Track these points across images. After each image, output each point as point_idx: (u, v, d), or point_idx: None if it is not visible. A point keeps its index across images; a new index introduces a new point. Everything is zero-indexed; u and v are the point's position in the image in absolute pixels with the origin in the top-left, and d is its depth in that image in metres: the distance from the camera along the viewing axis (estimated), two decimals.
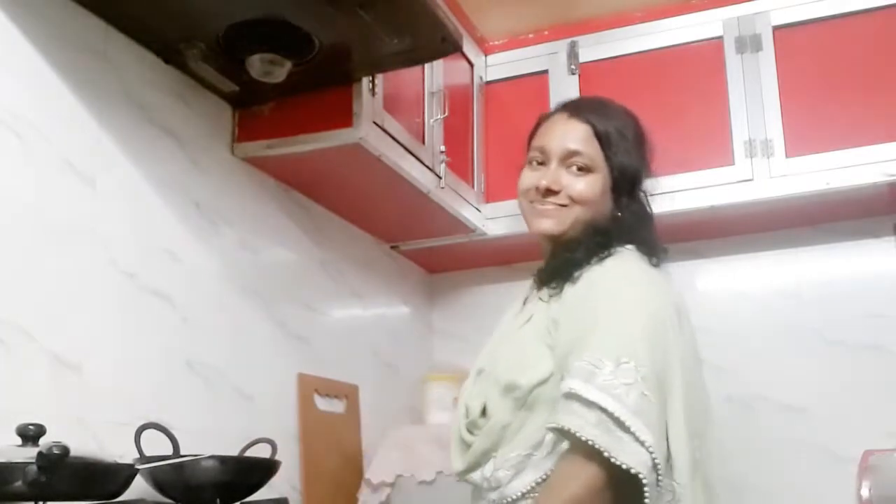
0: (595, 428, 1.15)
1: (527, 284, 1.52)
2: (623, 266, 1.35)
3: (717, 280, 2.73)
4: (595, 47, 2.61)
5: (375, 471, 2.24)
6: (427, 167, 2.24)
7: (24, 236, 1.44)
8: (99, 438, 1.51)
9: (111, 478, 1.23)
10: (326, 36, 1.73)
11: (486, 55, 2.73)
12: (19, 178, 1.45)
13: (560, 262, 1.40)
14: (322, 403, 2.24)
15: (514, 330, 1.44)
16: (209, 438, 1.68)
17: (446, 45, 1.82)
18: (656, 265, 1.38)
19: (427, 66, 2.27)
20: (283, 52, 1.73)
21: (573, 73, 2.60)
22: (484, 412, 1.37)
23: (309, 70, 1.82)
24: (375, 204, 2.36)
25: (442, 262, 2.93)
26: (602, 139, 1.41)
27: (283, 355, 2.13)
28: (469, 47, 2.56)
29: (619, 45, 2.59)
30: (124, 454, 1.42)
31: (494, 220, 2.59)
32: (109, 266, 1.61)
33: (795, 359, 2.56)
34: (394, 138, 2.06)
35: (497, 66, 2.72)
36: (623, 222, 1.41)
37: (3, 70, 1.44)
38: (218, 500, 1.46)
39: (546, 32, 2.70)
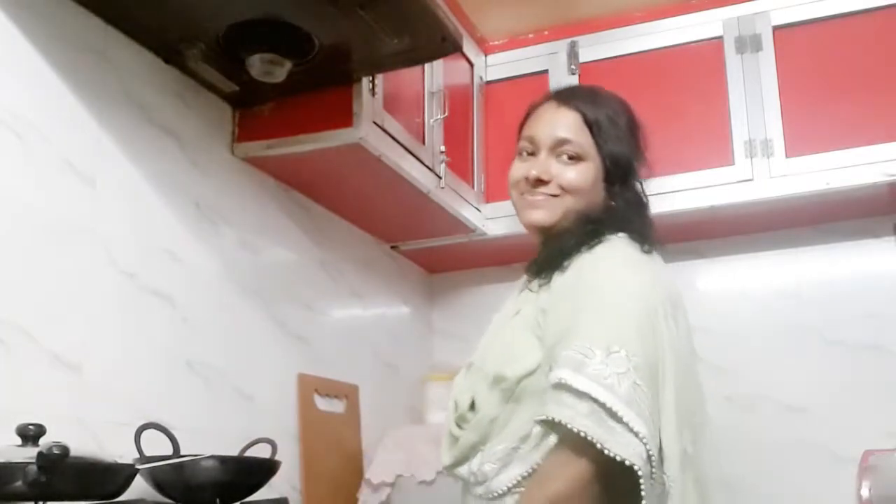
0: (586, 419, 1.12)
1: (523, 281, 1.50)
2: (612, 253, 1.31)
3: (717, 280, 2.73)
4: (595, 47, 2.61)
5: (375, 471, 2.24)
6: (427, 167, 2.24)
7: (24, 236, 1.44)
8: (99, 438, 1.51)
9: (111, 478, 1.23)
10: (326, 36, 1.73)
11: (486, 55, 2.73)
12: (19, 178, 1.45)
13: (549, 251, 1.37)
14: (322, 403, 2.24)
15: (505, 323, 1.41)
16: (209, 438, 1.69)
17: (446, 45, 1.82)
18: (648, 252, 1.34)
19: (427, 66, 2.27)
20: (283, 52, 1.73)
21: (573, 73, 2.60)
22: (473, 406, 1.34)
23: (309, 70, 1.82)
24: (375, 204, 2.36)
25: (442, 262, 2.93)
26: (592, 127, 1.38)
27: (283, 355, 2.13)
28: (469, 47, 2.56)
29: (619, 45, 2.59)
30: (124, 454, 1.42)
31: (494, 220, 2.59)
32: (109, 266, 1.61)
33: (795, 359, 2.56)
34: (394, 138, 2.06)
35: (497, 66, 2.72)
36: (616, 211, 1.38)
37: (3, 70, 1.44)
38: (218, 500, 1.46)
39: (546, 32, 2.70)
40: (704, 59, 2.49)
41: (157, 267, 1.73)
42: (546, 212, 1.39)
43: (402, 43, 1.76)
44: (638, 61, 2.56)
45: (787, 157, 2.34)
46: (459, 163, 2.46)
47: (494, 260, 2.87)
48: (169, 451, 1.51)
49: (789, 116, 2.37)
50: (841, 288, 2.57)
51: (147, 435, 1.48)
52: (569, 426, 1.13)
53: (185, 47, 1.74)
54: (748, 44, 2.44)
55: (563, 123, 1.40)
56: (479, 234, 2.61)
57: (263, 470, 1.56)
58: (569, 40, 2.63)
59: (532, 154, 1.42)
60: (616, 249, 1.32)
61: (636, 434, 1.11)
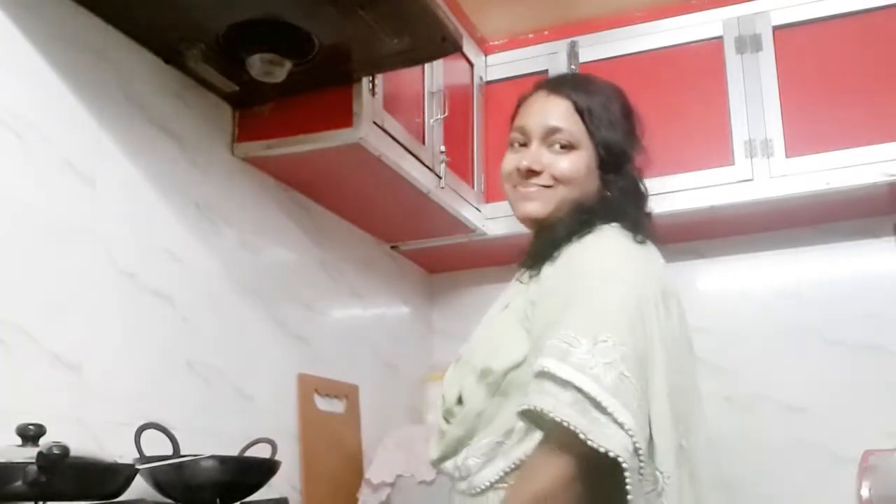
0: (569, 408, 1.07)
1: None
2: (602, 241, 1.27)
3: (717, 280, 2.73)
4: (595, 47, 2.61)
5: (375, 471, 2.24)
6: (427, 167, 2.24)
7: (24, 236, 1.44)
8: (99, 438, 1.51)
9: (111, 478, 1.23)
10: (326, 36, 1.73)
11: (486, 55, 2.73)
12: (19, 178, 1.45)
13: (541, 242, 1.34)
14: (322, 403, 2.24)
15: (495, 316, 1.39)
16: (209, 438, 1.69)
17: (446, 45, 1.82)
18: (641, 242, 1.29)
19: (427, 66, 2.27)
20: (283, 52, 1.73)
21: None
22: (460, 400, 1.31)
23: (309, 70, 1.82)
24: (375, 204, 2.36)
25: (442, 262, 2.93)
26: (584, 114, 1.34)
27: (283, 355, 2.13)
28: (469, 47, 2.56)
29: (619, 45, 2.59)
30: (124, 454, 1.42)
31: (494, 220, 2.59)
32: (109, 266, 1.61)
33: (795, 359, 2.56)
34: (394, 138, 2.06)
35: (497, 66, 2.72)
36: (611, 201, 1.34)
37: (3, 70, 1.44)
38: (218, 500, 1.46)
39: (546, 32, 2.70)
40: (704, 59, 2.49)
41: (156, 267, 1.73)
42: (539, 203, 1.35)
43: (402, 43, 1.76)
44: (638, 61, 2.56)
45: (787, 157, 2.34)
46: (459, 163, 2.46)
47: (494, 260, 2.86)
48: (169, 451, 1.51)
49: (789, 116, 2.37)
50: (841, 288, 2.57)
51: (147, 435, 1.48)
52: (550, 415, 1.08)
53: (185, 47, 1.74)
54: (748, 44, 2.44)
55: (553, 112, 1.36)
56: (479, 234, 2.60)
57: (263, 470, 1.56)
58: (569, 40, 2.63)
59: (524, 145, 1.38)
60: (606, 238, 1.28)
61: (621, 426, 1.07)
